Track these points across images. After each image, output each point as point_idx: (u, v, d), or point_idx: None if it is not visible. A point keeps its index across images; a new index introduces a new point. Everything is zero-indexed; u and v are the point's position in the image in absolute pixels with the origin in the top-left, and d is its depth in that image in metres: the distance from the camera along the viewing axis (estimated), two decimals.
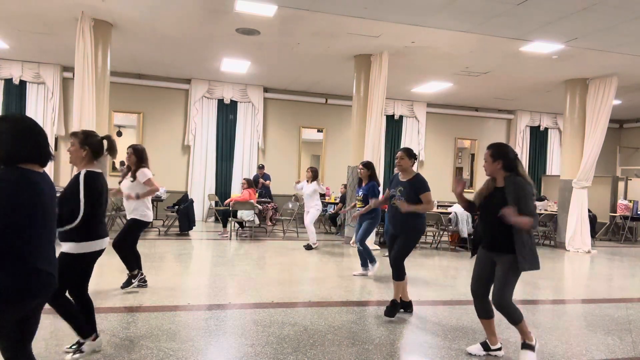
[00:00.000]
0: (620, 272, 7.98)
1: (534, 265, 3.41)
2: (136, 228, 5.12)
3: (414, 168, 4.81)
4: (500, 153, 3.49)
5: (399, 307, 4.68)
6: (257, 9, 6.98)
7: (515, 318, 3.52)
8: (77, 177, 3.17)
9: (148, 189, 4.99)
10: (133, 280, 5.11)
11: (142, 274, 5.26)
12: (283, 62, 10.11)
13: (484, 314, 3.68)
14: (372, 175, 6.36)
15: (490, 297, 3.59)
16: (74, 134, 3.36)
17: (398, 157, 4.71)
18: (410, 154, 4.71)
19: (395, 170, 4.91)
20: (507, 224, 3.30)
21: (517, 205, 3.30)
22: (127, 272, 5.15)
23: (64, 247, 3.20)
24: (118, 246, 5.00)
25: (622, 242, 12.12)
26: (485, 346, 3.76)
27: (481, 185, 3.74)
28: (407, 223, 4.56)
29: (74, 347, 3.36)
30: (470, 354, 3.75)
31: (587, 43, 7.82)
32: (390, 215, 4.74)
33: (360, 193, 6.39)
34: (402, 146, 13.91)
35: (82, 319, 3.32)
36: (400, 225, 4.60)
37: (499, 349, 3.75)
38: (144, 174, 5.00)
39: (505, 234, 3.39)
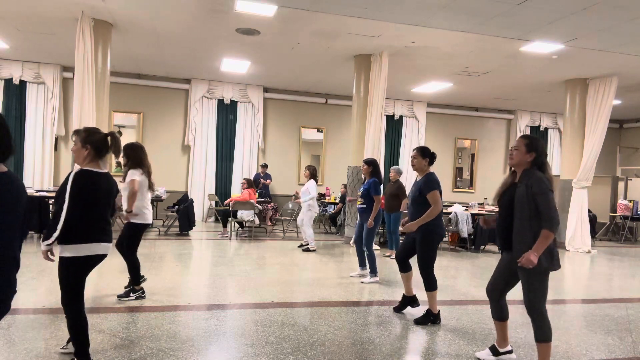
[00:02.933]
0: (620, 272, 7.98)
1: (554, 264, 3.17)
2: (134, 232, 4.84)
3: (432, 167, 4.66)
4: (537, 146, 3.26)
5: (431, 317, 4.53)
6: (257, 9, 6.98)
7: (543, 335, 3.20)
8: (68, 176, 3.01)
9: (129, 195, 4.68)
10: (132, 294, 4.84)
11: (141, 287, 4.99)
12: (283, 62, 10.11)
13: (497, 315, 3.55)
14: (374, 172, 6.29)
15: (507, 300, 3.52)
16: (77, 132, 3.18)
17: (412, 157, 4.63)
18: (424, 153, 4.56)
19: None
20: (518, 220, 3.19)
21: (533, 204, 3.12)
22: (129, 282, 4.88)
23: (61, 251, 3.00)
24: (120, 250, 4.84)
25: (622, 242, 12.13)
26: (493, 350, 3.66)
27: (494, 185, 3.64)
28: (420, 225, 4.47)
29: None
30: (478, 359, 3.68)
31: (587, 43, 7.82)
32: (408, 216, 4.64)
33: (361, 189, 6.32)
34: (401, 146, 13.93)
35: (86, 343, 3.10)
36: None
37: (509, 352, 3.63)
38: (130, 174, 4.73)
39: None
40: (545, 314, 3.21)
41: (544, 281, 3.19)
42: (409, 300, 4.82)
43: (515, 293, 3.71)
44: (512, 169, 3.42)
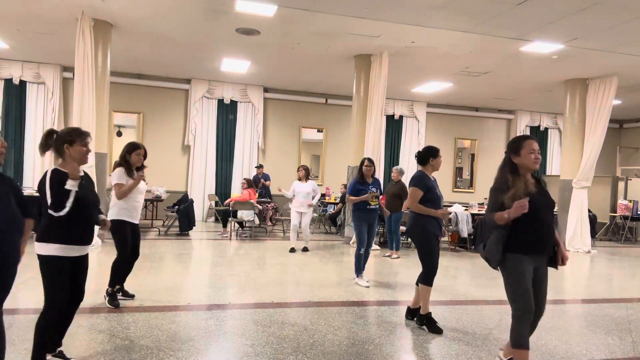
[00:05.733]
0: (620, 272, 7.98)
1: None
2: (115, 230, 4.54)
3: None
4: None
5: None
6: (257, 9, 6.98)
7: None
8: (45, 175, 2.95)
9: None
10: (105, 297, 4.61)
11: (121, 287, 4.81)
12: (283, 62, 10.11)
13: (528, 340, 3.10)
14: (374, 173, 6.27)
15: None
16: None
17: (441, 156, 4.55)
18: None
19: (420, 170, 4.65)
20: (550, 224, 3.17)
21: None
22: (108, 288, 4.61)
23: (38, 249, 2.97)
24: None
25: (622, 242, 12.13)
26: None
27: (485, 185, 3.62)
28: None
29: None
30: None
31: (587, 43, 7.82)
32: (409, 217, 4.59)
33: (374, 189, 5.98)
34: (401, 146, 13.91)
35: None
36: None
37: None
38: (113, 174, 4.57)
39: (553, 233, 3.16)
40: None
41: None
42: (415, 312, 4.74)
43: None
44: (517, 172, 3.28)
